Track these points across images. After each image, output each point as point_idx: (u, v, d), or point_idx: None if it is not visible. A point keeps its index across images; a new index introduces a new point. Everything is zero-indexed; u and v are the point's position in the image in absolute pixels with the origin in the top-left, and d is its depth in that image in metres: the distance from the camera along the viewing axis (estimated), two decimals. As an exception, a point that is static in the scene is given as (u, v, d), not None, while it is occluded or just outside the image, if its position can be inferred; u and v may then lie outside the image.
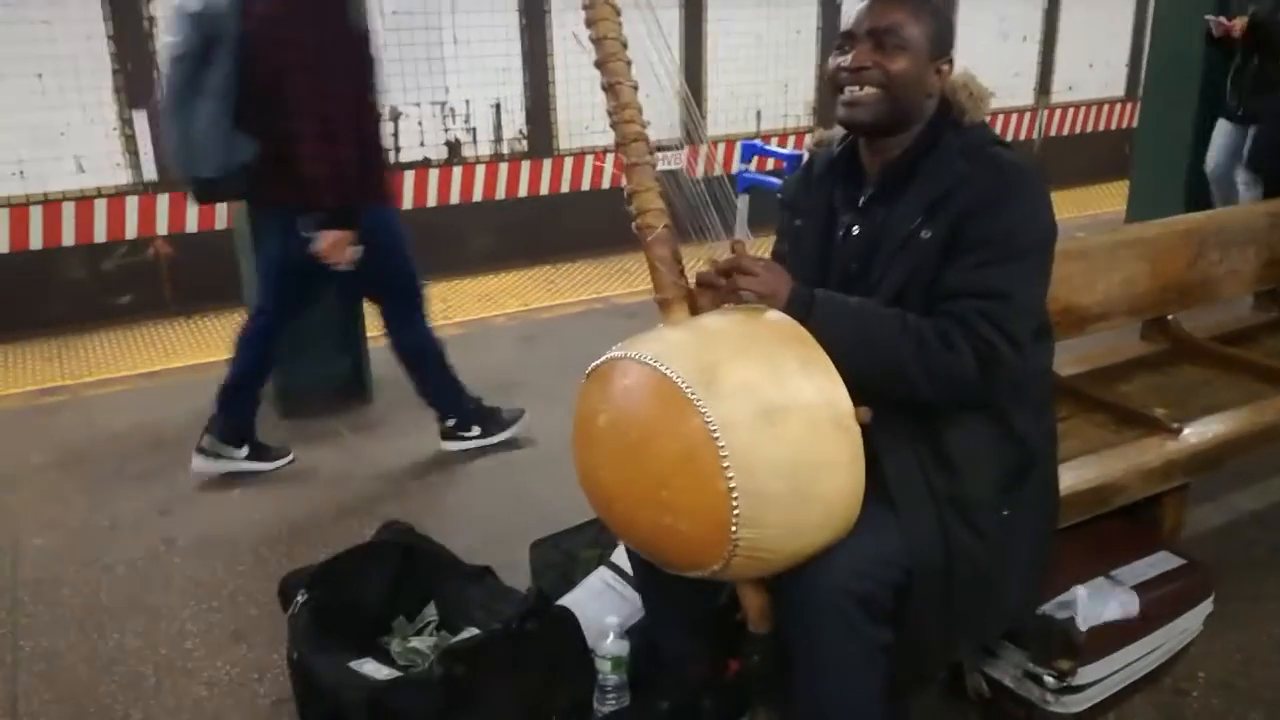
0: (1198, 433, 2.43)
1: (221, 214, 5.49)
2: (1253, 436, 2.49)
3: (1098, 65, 8.60)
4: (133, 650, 2.47)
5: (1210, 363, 2.92)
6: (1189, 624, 2.17)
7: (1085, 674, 1.98)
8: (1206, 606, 2.18)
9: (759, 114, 7.24)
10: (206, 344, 5.11)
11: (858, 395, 1.56)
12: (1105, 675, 2.02)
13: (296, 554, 2.86)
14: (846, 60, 1.72)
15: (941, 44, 1.75)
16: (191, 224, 5.59)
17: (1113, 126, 8.76)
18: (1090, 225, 6.34)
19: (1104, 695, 2.04)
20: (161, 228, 5.54)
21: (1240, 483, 3.07)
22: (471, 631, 2.18)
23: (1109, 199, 7.68)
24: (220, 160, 2.94)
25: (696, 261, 1.78)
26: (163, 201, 5.50)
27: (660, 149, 1.84)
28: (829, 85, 1.79)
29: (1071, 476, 2.18)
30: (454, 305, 5.67)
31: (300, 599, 2.14)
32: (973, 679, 2.09)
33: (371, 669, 2.08)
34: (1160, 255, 2.90)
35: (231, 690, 2.32)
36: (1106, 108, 8.73)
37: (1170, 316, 3.05)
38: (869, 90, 1.71)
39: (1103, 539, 2.24)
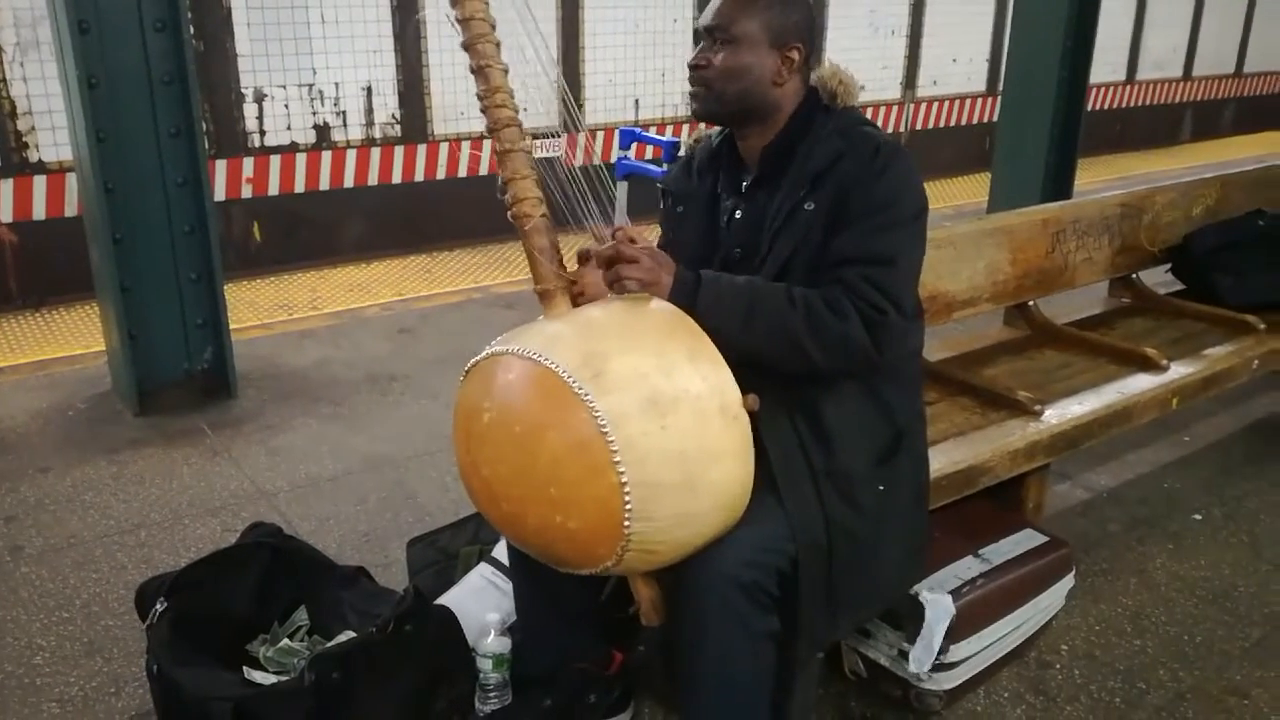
0: (1058, 414, 2.54)
1: (72, 201, 5.18)
2: (1109, 417, 2.60)
3: (960, 61, 8.90)
4: (-27, 669, 2.30)
5: (1069, 347, 3.05)
6: (1052, 599, 2.25)
7: (956, 651, 2.03)
8: (1068, 582, 2.27)
9: (637, 103, 7.24)
10: (56, 338, 4.81)
11: (748, 376, 1.57)
12: (975, 652, 2.08)
13: (155, 560, 2.72)
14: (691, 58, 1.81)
15: (784, 32, 1.77)
16: (40, 211, 5.25)
17: (975, 121, 9.09)
18: (955, 216, 6.57)
19: (974, 671, 2.11)
20: (6, 214, 5.19)
21: (1096, 461, 3.23)
22: (346, 635, 2.11)
23: (972, 190, 7.98)
24: None
25: (574, 251, 1.75)
26: (6, 187, 5.14)
27: (537, 136, 1.80)
28: None
29: (940, 459, 2.25)
30: (324, 295, 5.49)
31: (159, 607, 2.02)
32: (849, 659, 2.13)
33: (239, 678, 1.99)
34: (1021, 244, 3.01)
35: (86, 706, 2.19)
36: (969, 102, 9.05)
37: (1031, 303, 3.17)
38: (700, 87, 1.79)
39: (970, 519, 2.31)
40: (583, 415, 1.47)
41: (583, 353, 1.52)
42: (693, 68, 1.80)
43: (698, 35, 1.83)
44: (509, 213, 1.73)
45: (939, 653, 2.00)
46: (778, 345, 1.65)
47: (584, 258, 1.74)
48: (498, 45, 1.70)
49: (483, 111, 1.71)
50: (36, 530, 2.88)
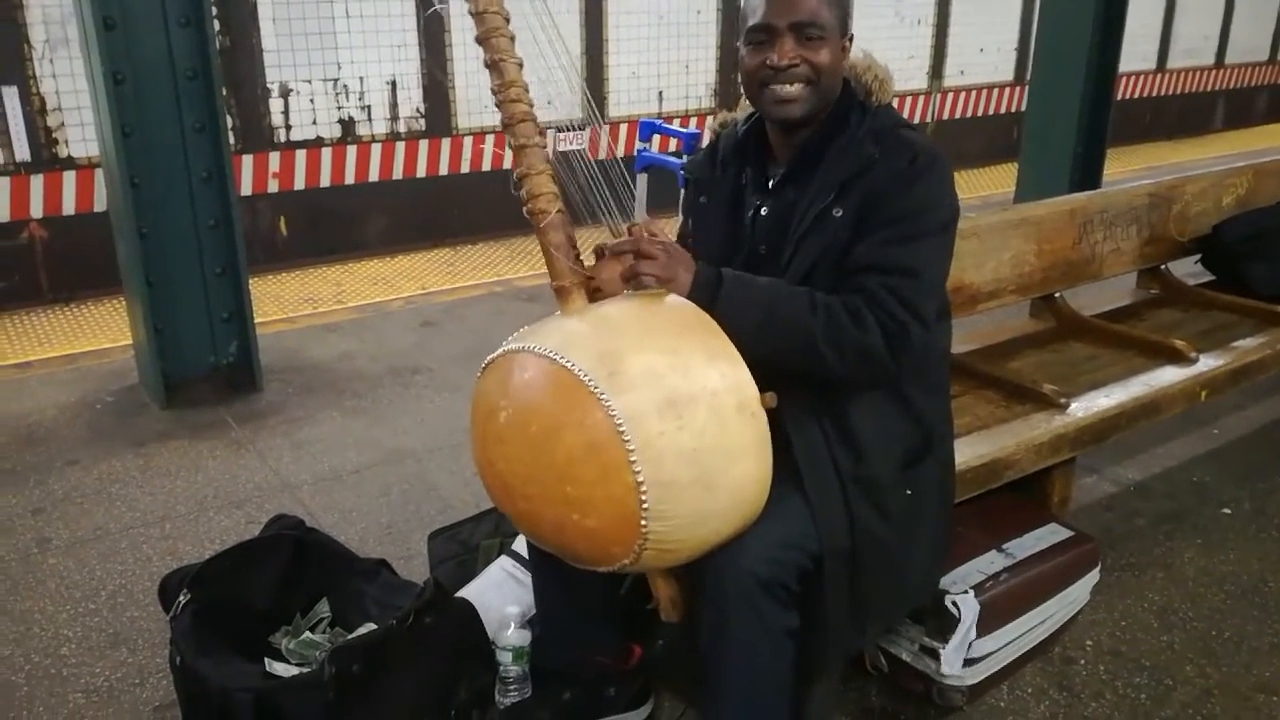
0: (1084, 407, 2.50)
1: (100, 196, 5.23)
2: (1136, 410, 2.57)
3: (988, 50, 8.81)
4: (2, 658, 2.33)
5: (1096, 339, 3.01)
6: (1077, 594, 2.23)
7: (979, 647, 2.01)
8: (1094, 577, 2.25)
9: (661, 95, 7.22)
10: (85, 332, 4.87)
11: (765, 376, 1.55)
12: (998, 647, 2.06)
13: (180, 551, 2.74)
14: (773, 57, 1.69)
15: (845, 21, 1.74)
16: (69, 206, 5.31)
17: (1002, 110, 8.99)
18: (981, 206, 6.49)
19: (997, 666, 2.09)
20: (36, 210, 5.25)
21: (1124, 455, 3.18)
22: (367, 627, 2.12)
23: (999, 180, 7.90)
24: None
25: (591, 246, 1.75)
26: (37, 183, 5.20)
27: (561, 129, 1.79)
28: (750, 81, 1.75)
29: (964, 452, 2.22)
30: (349, 289, 5.53)
31: (183, 599, 2.04)
32: (870, 653, 2.11)
33: (260, 670, 2.01)
34: (1047, 234, 2.98)
35: (111, 697, 2.21)
36: (996, 91, 8.96)
37: (1057, 294, 3.13)
38: (799, 87, 1.69)
39: (994, 513, 2.28)
40: (598, 415, 1.46)
41: (598, 351, 1.51)
42: (784, 68, 1.68)
43: (760, 31, 1.69)
44: (525, 208, 1.72)
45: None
46: (796, 350, 1.63)
47: (600, 253, 1.72)
48: (512, 39, 1.69)
49: (498, 106, 1.70)
50: (64, 522, 2.91)
